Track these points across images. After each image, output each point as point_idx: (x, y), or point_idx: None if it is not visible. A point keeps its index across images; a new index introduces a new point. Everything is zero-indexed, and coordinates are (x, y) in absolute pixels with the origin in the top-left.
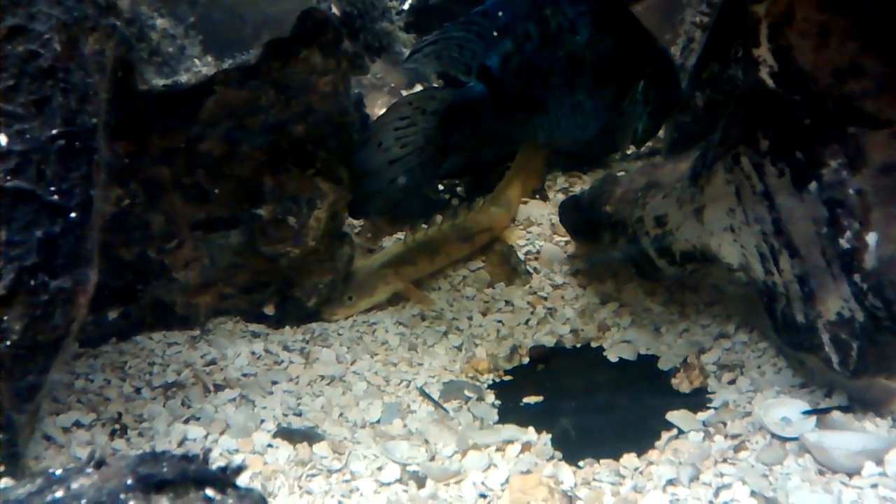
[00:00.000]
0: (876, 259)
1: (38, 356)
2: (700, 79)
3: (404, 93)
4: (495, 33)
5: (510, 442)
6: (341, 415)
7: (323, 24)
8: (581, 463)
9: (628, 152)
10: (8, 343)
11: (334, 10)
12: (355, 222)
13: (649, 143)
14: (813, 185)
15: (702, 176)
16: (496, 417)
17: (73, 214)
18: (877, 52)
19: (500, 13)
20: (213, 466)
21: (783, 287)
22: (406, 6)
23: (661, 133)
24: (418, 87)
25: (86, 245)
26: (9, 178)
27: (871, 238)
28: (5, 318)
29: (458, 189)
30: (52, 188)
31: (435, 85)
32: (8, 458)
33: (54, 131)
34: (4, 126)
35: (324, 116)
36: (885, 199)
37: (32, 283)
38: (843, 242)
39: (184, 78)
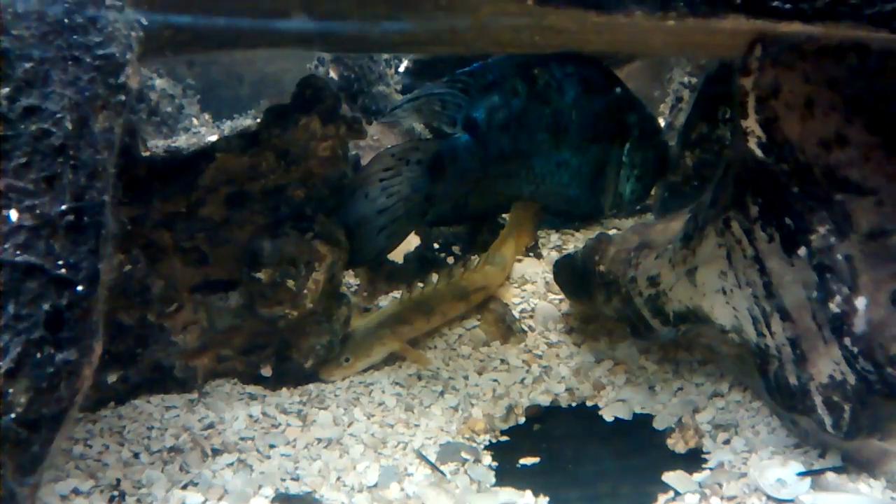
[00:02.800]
0: (865, 323)
1: (43, 428)
2: (689, 138)
3: None
4: (482, 89)
5: None
6: (338, 479)
7: (322, 91)
8: None
9: (615, 211)
10: (13, 416)
11: (332, 74)
12: (352, 281)
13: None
14: (802, 251)
15: (693, 238)
16: (493, 480)
17: (80, 288)
18: (861, 122)
19: (487, 72)
20: None
21: (775, 349)
22: (402, 69)
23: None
24: None
25: (92, 317)
26: (18, 252)
27: (860, 302)
28: (10, 390)
29: (454, 248)
30: (60, 262)
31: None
32: None
33: (63, 207)
34: (16, 202)
35: (322, 180)
36: (873, 265)
37: (38, 356)
38: (833, 307)
39: (182, 139)
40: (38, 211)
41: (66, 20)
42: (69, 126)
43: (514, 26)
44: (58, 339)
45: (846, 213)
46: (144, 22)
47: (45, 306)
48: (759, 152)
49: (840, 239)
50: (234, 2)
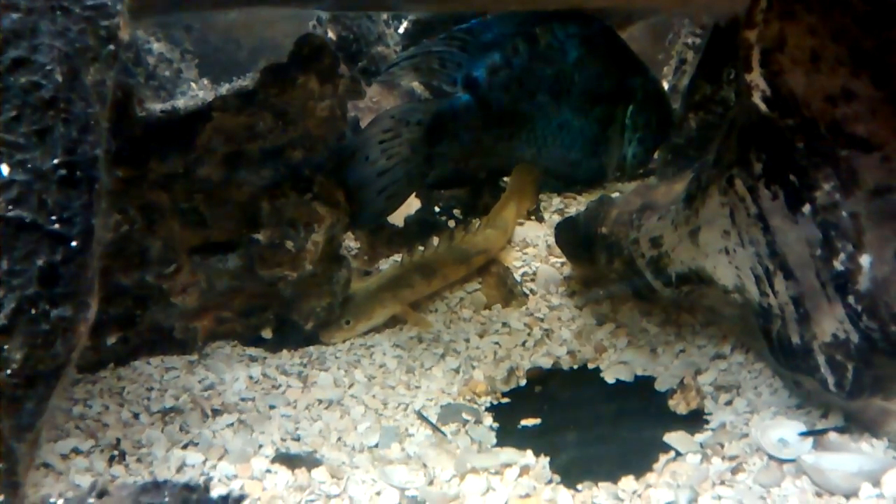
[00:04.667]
0: (870, 281)
1: (39, 385)
2: (693, 100)
3: None
4: (482, 47)
5: (508, 465)
6: (339, 439)
7: (319, 49)
8: (579, 486)
9: (619, 174)
10: (8, 372)
11: (331, 34)
12: (352, 244)
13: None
14: (806, 208)
15: (696, 198)
16: (494, 440)
17: (74, 243)
18: (867, 77)
19: (486, 30)
20: (215, 495)
21: (778, 309)
22: (402, 30)
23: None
24: None
25: (86, 274)
26: (10, 207)
27: (864, 260)
28: (6, 347)
29: (455, 211)
30: (54, 217)
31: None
32: (8, 488)
33: (56, 161)
34: (6, 156)
35: (321, 141)
36: (878, 222)
37: (33, 312)
38: (837, 264)
39: (181, 102)
40: (29, 165)
41: None
42: (59, 78)
43: None
44: (52, 294)
45: (852, 170)
46: None
47: (39, 262)
48: (763, 107)
49: (845, 196)
50: None
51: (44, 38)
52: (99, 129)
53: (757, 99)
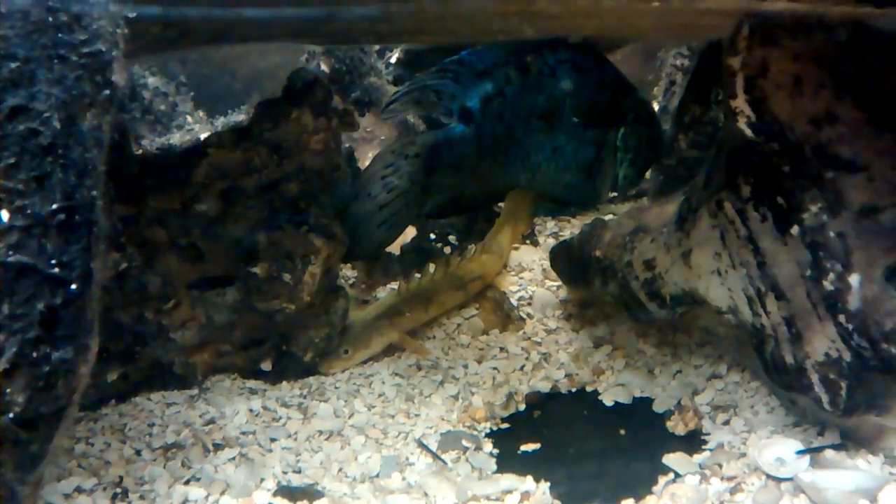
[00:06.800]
0: (859, 300)
1: (41, 427)
2: (682, 121)
3: None
4: (474, 78)
5: (509, 492)
6: (340, 470)
7: (313, 83)
8: None
9: (612, 195)
10: (11, 415)
11: (323, 66)
12: (349, 273)
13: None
14: (795, 230)
15: (687, 220)
16: (494, 467)
17: (73, 286)
18: (850, 99)
19: (478, 60)
20: None
21: (771, 329)
22: (394, 59)
23: (647, 174)
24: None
25: (86, 315)
26: (10, 252)
27: (853, 279)
28: (8, 390)
29: (450, 237)
30: (53, 261)
31: (419, 130)
32: None
33: (54, 206)
34: (6, 202)
35: (316, 174)
36: (866, 241)
37: (34, 355)
38: (827, 284)
39: (177, 138)
40: (28, 211)
41: (50, 18)
42: (57, 125)
43: (503, 13)
44: (53, 337)
45: (838, 191)
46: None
47: (40, 306)
48: (749, 132)
49: (832, 216)
50: None
51: (41, 85)
52: (96, 173)
53: (742, 124)
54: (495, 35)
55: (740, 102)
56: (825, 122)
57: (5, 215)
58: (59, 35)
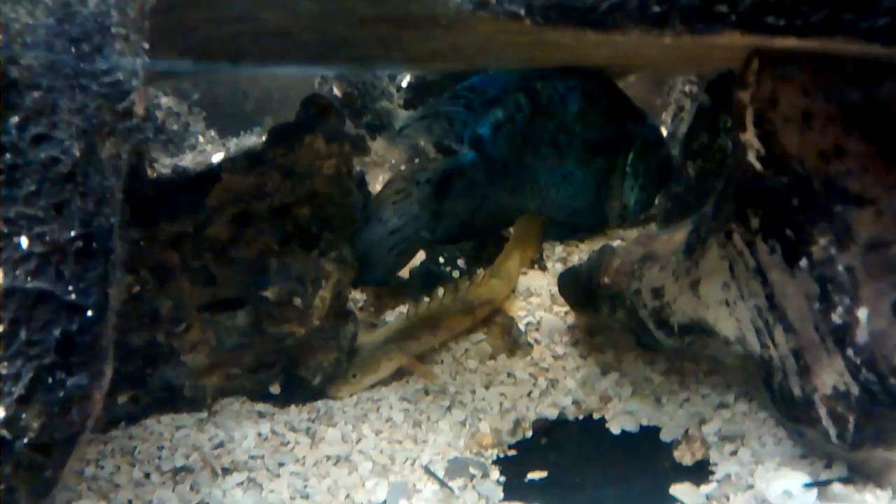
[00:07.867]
0: (868, 334)
1: (55, 453)
2: (691, 149)
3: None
4: (485, 104)
5: None
6: (347, 496)
7: (325, 109)
8: None
9: (621, 223)
10: (26, 441)
11: (336, 91)
12: (358, 297)
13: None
14: (804, 262)
15: (696, 250)
16: (501, 495)
17: (90, 313)
18: (858, 133)
19: (489, 87)
20: None
21: (779, 361)
22: (405, 84)
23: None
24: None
25: (101, 342)
26: (29, 278)
27: (861, 313)
28: (23, 415)
29: (459, 262)
30: (70, 288)
31: (431, 156)
32: None
33: (73, 233)
34: (26, 229)
35: (328, 198)
36: (874, 275)
37: (50, 381)
38: (836, 318)
39: (189, 157)
40: (47, 238)
41: (73, 49)
42: (77, 153)
43: (514, 42)
44: (69, 364)
45: (846, 224)
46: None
47: (56, 332)
48: (758, 165)
49: (841, 250)
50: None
51: (63, 114)
52: (114, 201)
53: (752, 158)
54: (507, 63)
55: (750, 136)
56: (834, 155)
57: (25, 242)
58: (81, 65)
